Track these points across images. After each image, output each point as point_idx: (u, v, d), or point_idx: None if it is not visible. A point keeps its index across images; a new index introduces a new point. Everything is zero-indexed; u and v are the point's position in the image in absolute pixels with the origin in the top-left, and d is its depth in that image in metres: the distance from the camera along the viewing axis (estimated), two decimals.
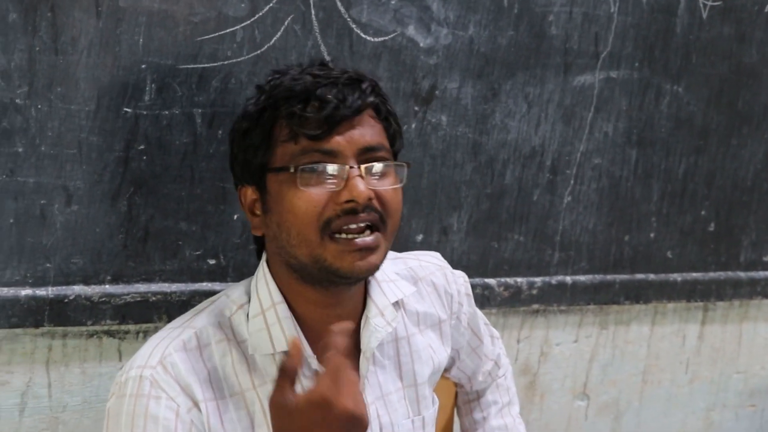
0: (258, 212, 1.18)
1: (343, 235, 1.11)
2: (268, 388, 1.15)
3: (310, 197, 1.10)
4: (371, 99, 1.15)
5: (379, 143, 1.15)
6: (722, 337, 2.18)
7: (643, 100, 1.85)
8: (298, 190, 1.11)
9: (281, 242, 1.14)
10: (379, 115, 1.17)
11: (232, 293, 1.21)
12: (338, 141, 1.11)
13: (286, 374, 1.02)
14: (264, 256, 1.22)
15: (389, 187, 1.14)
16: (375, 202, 1.12)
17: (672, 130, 1.91)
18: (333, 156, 1.11)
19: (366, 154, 1.13)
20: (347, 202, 1.10)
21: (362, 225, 1.12)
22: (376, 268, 1.16)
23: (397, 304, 1.27)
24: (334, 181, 1.11)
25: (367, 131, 1.14)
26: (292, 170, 1.11)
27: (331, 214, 1.10)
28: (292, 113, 1.11)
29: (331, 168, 1.11)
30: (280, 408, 1.02)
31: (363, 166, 1.12)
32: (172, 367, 1.11)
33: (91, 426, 1.40)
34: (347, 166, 1.11)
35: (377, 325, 1.21)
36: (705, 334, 2.15)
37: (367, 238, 1.12)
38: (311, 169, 1.11)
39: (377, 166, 1.14)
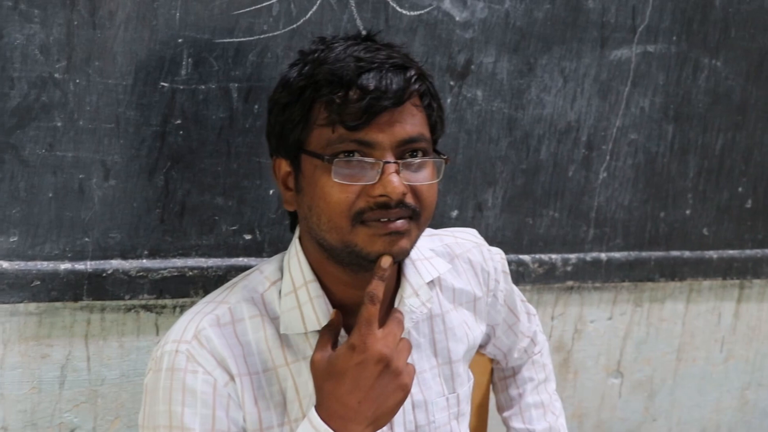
0: (291, 187, 1.16)
1: (374, 221, 1.09)
2: (300, 365, 1.15)
3: (343, 188, 1.08)
4: (415, 87, 1.10)
5: (419, 134, 1.11)
6: (758, 316, 2.16)
7: (680, 75, 1.82)
8: (331, 179, 1.08)
9: (311, 224, 1.12)
10: (422, 102, 1.13)
11: (265, 269, 1.21)
12: (376, 132, 1.08)
13: (328, 334, 1.06)
14: (297, 232, 1.21)
15: (425, 182, 1.11)
16: (409, 198, 1.09)
17: (709, 105, 1.88)
18: (370, 147, 1.08)
19: (404, 146, 1.10)
20: (381, 196, 1.07)
21: (395, 219, 1.09)
22: (406, 253, 1.13)
23: (432, 283, 1.26)
24: (370, 173, 1.08)
25: (408, 121, 1.10)
26: (326, 159, 1.08)
27: (363, 206, 1.08)
28: (331, 100, 1.08)
29: (367, 160, 1.08)
30: (320, 361, 1.08)
31: (400, 162, 1.08)
32: (207, 341, 1.11)
33: (128, 399, 1.41)
34: (383, 161, 1.08)
35: (412, 305, 1.20)
36: (741, 312, 2.13)
37: (398, 222, 1.09)
38: (346, 160, 1.08)
39: (415, 161, 1.11)
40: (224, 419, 1.10)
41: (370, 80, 1.07)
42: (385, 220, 1.08)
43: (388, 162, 1.07)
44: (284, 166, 1.16)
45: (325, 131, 1.09)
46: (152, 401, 1.12)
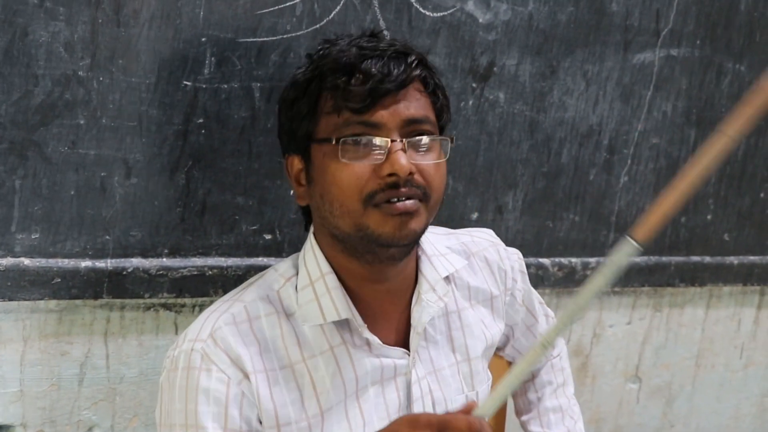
0: (303, 182, 1.18)
1: (382, 202, 1.11)
2: (317, 361, 1.16)
3: (352, 170, 1.10)
4: (417, 72, 1.14)
5: (423, 116, 1.14)
6: None
7: (703, 79, 1.81)
8: (340, 162, 1.11)
9: (324, 213, 1.14)
10: (426, 88, 1.16)
11: (279, 267, 1.22)
12: (381, 114, 1.11)
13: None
14: (311, 228, 1.22)
15: (431, 161, 1.14)
16: (417, 177, 1.11)
17: (732, 110, 1.87)
18: (376, 128, 1.11)
19: (410, 127, 1.12)
20: (389, 175, 1.09)
21: (405, 200, 1.11)
22: (416, 235, 1.14)
23: (447, 279, 1.26)
24: (377, 154, 1.11)
25: (412, 104, 1.13)
26: (333, 141, 1.11)
27: (375, 188, 1.10)
28: (336, 86, 1.11)
29: (373, 140, 1.11)
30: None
31: (406, 140, 1.11)
32: (222, 340, 1.12)
33: (147, 398, 1.41)
34: (389, 140, 1.10)
35: (429, 300, 1.21)
36: (761, 318, 2.12)
37: (408, 202, 1.11)
38: (353, 141, 1.11)
39: (419, 140, 1.13)
40: (237, 417, 1.11)
41: (372, 65, 1.11)
42: (395, 200, 1.10)
43: (394, 140, 1.10)
44: (296, 163, 1.19)
45: (332, 118, 1.12)
46: (169, 399, 1.12)
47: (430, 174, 1.13)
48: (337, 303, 1.16)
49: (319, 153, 1.14)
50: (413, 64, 1.13)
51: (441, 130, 1.19)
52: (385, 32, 1.45)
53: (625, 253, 0.93)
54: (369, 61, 1.11)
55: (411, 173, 1.10)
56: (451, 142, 1.17)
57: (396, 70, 1.11)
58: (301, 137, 1.16)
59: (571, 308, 1.02)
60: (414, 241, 1.17)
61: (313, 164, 1.15)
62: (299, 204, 1.22)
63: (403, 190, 1.10)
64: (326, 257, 1.18)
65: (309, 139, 1.15)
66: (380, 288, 1.19)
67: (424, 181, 1.12)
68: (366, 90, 1.10)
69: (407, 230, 1.12)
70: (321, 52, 1.16)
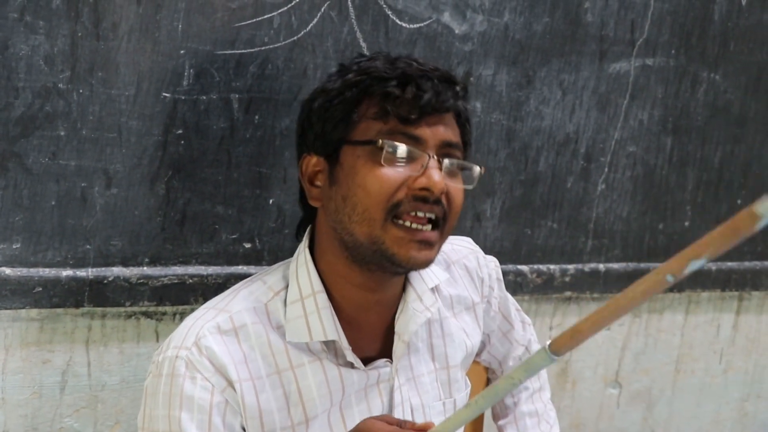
0: (319, 183, 1.19)
1: (407, 223, 1.12)
2: (305, 369, 1.17)
3: (386, 176, 1.11)
4: (460, 102, 1.17)
5: (457, 142, 1.17)
6: (757, 328, 2.17)
7: (679, 88, 1.84)
8: (375, 166, 1.12)
9: (341, 216, 1.14)
10: (460, 118, 1.19)
11: (268, 279, 1.22)
12: (425, 129, 1.13)
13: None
14: (305, 242, 1.22)
15: (459, 185, 1.16)
16: (444, 197, 1.14)
17: (708, 119, 1.90)
18: (417, 143, 1.13)
19: (445, 149, 1.15)
20: (422, 189, 1.11)
21: (428, 216, 1.13)
22: (429, 263, 1.17)
23: (433, 289, 1.28)
24: (414, 166, 1.12)
25: (450, 129, 1.16)
26: (378, 144, 1.12)
27: (402, 197, 1.11)
28: (387, 93, 1.13)
29: (415, 153, 1.12)
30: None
31: (446, 160, 1.14)
32: (206, 349, 1.12)
33: (128, 405, 1.43)
34: (428, 155, 1.13)
35: (416, 309, 1.23)
36: (740, 323, 2.14)
37: (429, 233, 1.13)
38: (395, 147, 1.12)
39: (455, 162, 1.16)
40: (220, 425, 1.12)
41: (424, 82, 1.14)
42: (417, 226, 1.12)
43: (433, 157, 1.13)
44: (314, 164, 1.19)
45: (376, 123, 1.14)
46: (152, 405, 1.14)
47: (454, 198, 1.15)
48: (325, 323, 1.16)
49: (351, 155, 1.14)
50: (460, 93, 1.17)
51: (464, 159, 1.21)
52: (363, 44, 1.47)
53: (540, 359, 0.97)
54: (421, 77, 1.14)
55: (442, 192, 1.12)
56: (483, 171, 1.20)
57: (445, 94, 1.14)
58: (332, 139, 1.16)
59: (489, 394, 1.05)
60: (424, 268, 1.19)
61: (341, 166, 1.15)
62: (304, 207, 1.23)
63: (429, 206, 1.12)
64: (319, 272, 1.19)
65: (342, 140, 1.16)
66: (372, 298, 1.20)
67: (448, 204, 1.14)
68: (419, 104, 1.12)
69: (422, 258, 1.14)
70: (361, 64, 1.18)
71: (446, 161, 1.14)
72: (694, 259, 0.80)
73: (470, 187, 1.18)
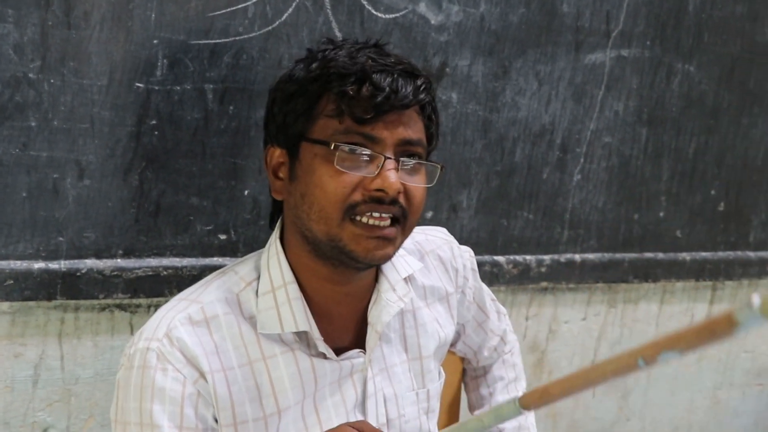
0: (282, 176, 1.18)
1: (364, 219, 1.11)
2: (277, 360, 1.17)
3: (341, 178, 1.10)
4: (421, 96, 1.15)
5: (418, 139, 1.15)
6: None
7: (654, 79, 1.84)
8: (331, 167, 1.11)
9: (300, 213, 1.14)
10: (423, 113, 1.18)
11: (240, 269, 1.22)
12: (382, 129, 1.12)
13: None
14: (277, 232, 1.22)
15: (418, 184, 1.15)
16: (402, 197, 1.13)
17: (683, 109, 1.90)
18: (373, 142, 1.12)
19: (404, 147, 1.14)
20: (377, 190, 1.10)
21: (385, 215, 1.12)
22: (389, 258, 1.17)
23: (407, 279, 1.28)
24: (369, 167, 1.11)
25: (410, 125, 1.14)
26: (332, 147, 1.11)
27: (358, 199, 1.11)
28: (343, 92, 1.11)
29: (370, 154, 1.11)
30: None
31: (401, 159, 1.13)
32: (177, 340, 1.12)
33: (102, 398, 1.42)
34: (384, 156, 1.11)
35: (389, 299, 1.23)
36: (714, 313, 2.16)
37: (386, 230, 1.13)
38: (351, 149, 1.11)
39: (412, 162, 1.14)
40: (192, 416, 1.12)
41: (383, 79, 1.11)
42: (377, 215, 1.11)
43: (389, 158, 1.11)
44: (278, 156, 1.18)
45: (332, 122, 1.12)
46: (124, 397, 1.13)
47: (413, 196, 1.14)
48: (296, 314, 1.16)
49: (309, 152, 1.14)
50: (420, 87, 1.14)
51: (428, 155, 1.20)
52: (338, 33, 1.46)
53: (509, 409, 1.00)
54: (380, 74, 1.12)
55: (399, 192, 1.12)
56: (441, 170, 1.18)
57: (404, 90, 1.12)
58: (292, 133, 1.15)
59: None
60: (383, 263, 1.19)
61: (300, 162, 1.15)
62: (274, 197, 1.22)
63: (385, 206, 1.11)
64: (290, 262, 1.19)
65: (301, 136, 1.15)
66: (341, 290, 1.20)
67: (407, 203, 1.14)
68: (373, 103, 1.10)
69: (381, 254, 1.14)
70: (326, 53, 1.16)
71: (404, 160, 1.13)
72: (668, 350, 0.81)
73: (430, 185, 1.17)
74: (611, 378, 0.88)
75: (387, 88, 1.11)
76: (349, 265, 1.15)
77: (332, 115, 1.12)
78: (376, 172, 1.11)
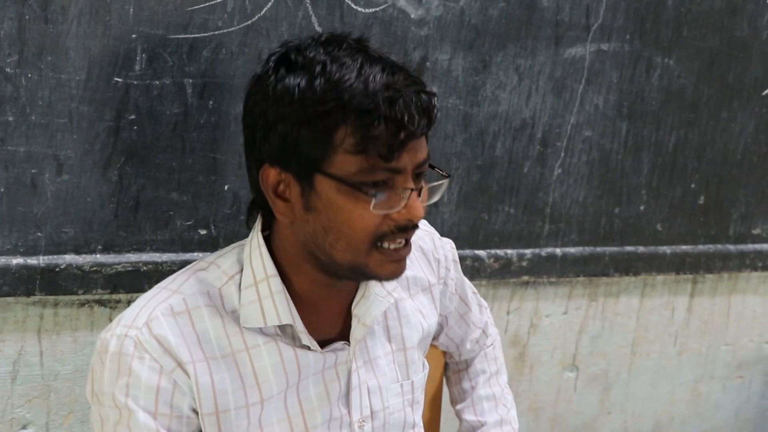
0: (288, 198, 1.14)
1: (390, 246, 1.13)
2: (261, 350, 1.17)
3: (371, 215, 1.10)
4: (434, 115, 1.12)
5: (427, 156, 1.14)
6: (711, 310, 2.20)
7: (633, 73, 1.85)
8: (358, 205, 1.09)
9: (320, 242, 1.13)
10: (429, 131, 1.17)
11: (222, 263, 1.21)
12: (404, 159, 1.10)
13: None
14: (257, 227, 1.20)
15: (428, 202, 1.16)
16: None
17: (662, 103, 1.91)
18: (398, 173, 1.10)
19: (419, 168, 1.13)
20: (406, 220, 1.11)
21: (407, 239, 1.14)
22: (403, 272, 1.18)
23: None
24: (394, 198, 1.10)
25: (422, 144, 1.13)
26: (363, 191, 1.08)
27: (386, 230, 1.11)
28: (366, 133, 1.06)
29: (396, 186, 1.10)
30: None
31: (425, 186, 1.13)
32: (157, 330, 1.12)
33: (82, 394, 1.41)
34: (410, 189, 1.10)
35: (378, 294, 1.23)
36: (694, 306, 2.17)
37: (406, 250, 1.15)
38: (381, 194, 1.09)
39: (428, 185, 1.15)
40: (167, 404, 1.12)
41: (401, 110, 1.07)
42: (401, 242, 1.13)
43: (413, 189, 1.11)
44: (275, 175, 1.13)
45: (356, 159, 1.08)
46: (98, 382, 1.13)
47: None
48: (279, 308, 1.16)
49: (329, 187, 1.10)
50: (434, 113, 1.11)
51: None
52: (318, 28, 1.46)
53: None
54: (396, 104, 1.07)
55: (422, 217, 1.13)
56: (450, 181, 1.21)
57: (420, 117, 1.08)
58: (305, 161, 1.10)
59: None
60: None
61: (318, 194, 1.11)
62: (280, 218, 1.16)
63: (410, 231, 1.13)
64: (274, 256, 1.18)
65: (317, 167, 1.10)
66: (330, 290, 1.21)
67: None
68: (398, 140, 1.07)
69: (400, 273, 1.17)
70: (328, 68, 1.08)
71: (422, 183, 1.14)
72: None
73: (433, 201, 1.17)
74: None
75: (407, 120, 1.07)
76: (359, 280, 1.18)
77: (354, 151, 1.08)
78: (404, 204, 1.10)
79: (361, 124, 1.06)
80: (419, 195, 1.12)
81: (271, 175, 1.13)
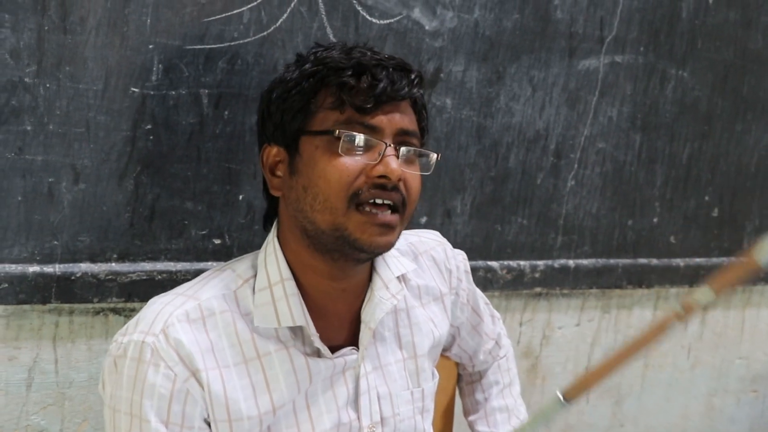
0: (280, 173, 1.21)
1: (368, 208, 1.14)
2: (272, 359, 1.18)
3: (344, 165, 1.14)
4: (415, 90, 1.20)
5: (414, 130, 1.20)
6: (724, 323, 2.19)
7: (647, 85, 1.85)
8: (333, 156, 1.14)
9: (303, 205, 1.16)
10: (416, 106, 1.22)
11: (237, 267, 1.23)
12: (381, 118, 1.16)
13: None
14: (274, 231, 1.23)
15: (417, 172, 1.19)
16: (401, 184, 1.16)
17: (676, 115, 1.91)
18: (374, 132, 1.15)
19: (402, 137, 1.18)
20: (380, 177, 1.14)
21: (387, 202, 1.15)
22: (391, 246, 1.19)
23: (399, 279, 1.29)
24: (371, 155, 1.15)
25: (406, 117, 1.19)
26: (335, 134, 1.14)
27: (361, 185, 1.14)
28: (343, 83, 1.15)
29: (372, 142, 1.15)
30: None
31: (402, 148, 1.17)
32: (173, 337, 1.13)
33: (96, 402, 1.42)
34: (385, 144, 1.15)
35: (382, 297, 1.24)
36: (707, 319, 2.16)
37: (389, 216, 1.16)
38: (353, 138, 1.14)
39: (411, 150, 1.18)
40: (179, 413, 1.13)
41: (379, 71, 1.16)
42: (380, 202, 1.15)
43: (390, 145, 1.15)
44: (275, 154, 1.21)
45: (333, 113, 1.16)
46: (116, 384, 1.14)
47: (411, 185, 1.18)
48: (293, 310, 1.18)
49: (310, 145, 1.16)
50: (414, 81, 1.19)
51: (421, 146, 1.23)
52: (333, 39, 1.47)
53: (552, 407, 1.01)
54: (376, 67, 1.16)
55: (399, 178, 1.15)
56: (437, 157, 1.22)
57: (400, 82, 1.17)
58: (291, 130, 1.18)
59: None
60: (386, 251, 1.21)
61: (301, 156, 1.17)
62: (270, 197, 1.24)
63: (388, 192, 1.15)
64: (287, 259, 1.20)
65: (300, 131, 1.18)
66: (337, 286, 1.22)
67: (406, 191, 1.17)
68: (374, 93, 1.14)
69: (384, 241, 1.17)
70: (318, 54, 1.20)
71: (403, 149, 1.17)
72: (702, 295, 0.86)
73: (427, 173, 1.21)
74: (656, 341, 0.90)
75: (386, 79, 1.15)
76: (350, 256, 1.17)
77: (332, 107, 1.16)
78: (378, 159, 1.14)
79: (338, 79, 1.15)
80: (398, 158, 1.16)
81: (269, 154, 1.22)
